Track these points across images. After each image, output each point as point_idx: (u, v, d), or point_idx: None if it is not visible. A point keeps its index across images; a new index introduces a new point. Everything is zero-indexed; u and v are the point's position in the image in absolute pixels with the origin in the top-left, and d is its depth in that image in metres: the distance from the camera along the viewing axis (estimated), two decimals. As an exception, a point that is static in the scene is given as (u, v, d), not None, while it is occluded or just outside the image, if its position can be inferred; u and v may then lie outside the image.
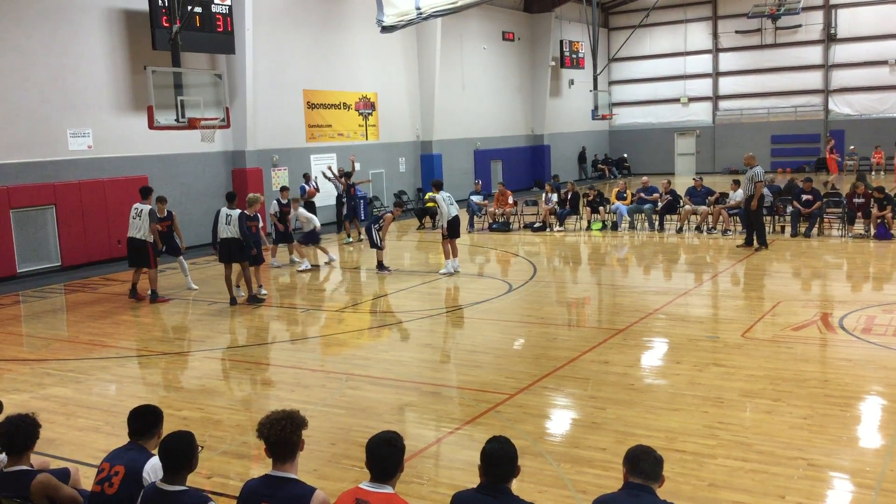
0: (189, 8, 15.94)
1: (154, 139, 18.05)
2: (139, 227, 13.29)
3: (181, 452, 4.09)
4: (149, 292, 13.50)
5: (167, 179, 19.15)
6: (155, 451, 4.52)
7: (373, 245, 15.33)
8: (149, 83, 14.20)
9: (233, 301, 13.00)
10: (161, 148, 18.88)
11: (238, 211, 12.97)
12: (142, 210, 13.32)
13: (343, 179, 20.72)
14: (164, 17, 16.92)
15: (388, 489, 3.76)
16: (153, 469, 4.29)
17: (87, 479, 5.09)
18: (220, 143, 19.98)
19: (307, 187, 20.43)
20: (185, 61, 16.23)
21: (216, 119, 15.28)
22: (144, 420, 4.55)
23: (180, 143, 19.07)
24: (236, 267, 13.17)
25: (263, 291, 13.57)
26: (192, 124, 14.71)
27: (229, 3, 19.24)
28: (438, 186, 15.51)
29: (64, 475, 4.92)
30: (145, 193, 13.63)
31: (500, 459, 3.80)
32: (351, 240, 20.08)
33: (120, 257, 16.24)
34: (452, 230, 14.88)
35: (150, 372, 9.67)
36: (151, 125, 14.35)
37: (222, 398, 8.35)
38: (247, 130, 20.68)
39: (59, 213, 16.88)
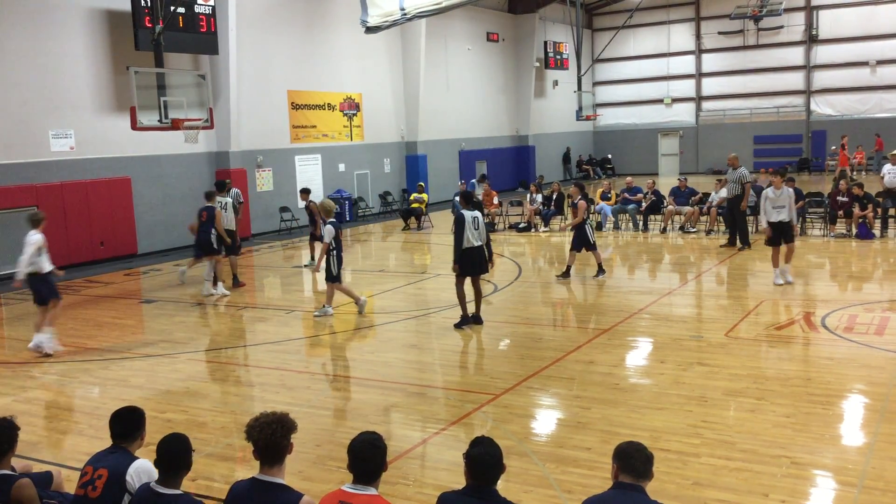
0: (172, 8, 15.86)
1: (137, 140, 17.94)
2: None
3: (177, 454, 4.07)
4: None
5: (150, 180, 19.04)
6: (138, 454, 4.49)
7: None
8: (131, 84, 14.14)
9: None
10: (144, 149, 18.76)
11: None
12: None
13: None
14: (147, 18, 16.78)
15: (371, 490, 3.75)
16: (137, 472, 4.27)
17: (70, 483, 5.06)
18: (203, 144, 19.89)
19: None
20: (168, 62, 16.15)
21: (200, 120, 15.23)
22: (127, 422, 4.52)
23: (164, 143, 18.95)
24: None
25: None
26: (175, 125, 14.66)
27: (212, 4, 19.14)
28: (783, 174, 13.31)
29: (47, 479, 4.89)
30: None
31: (485, 463, 3.77)
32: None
33: (102, 259, 16.09)
34: (785, 234, 12.94)
35: (132, 374, 9.59)
36: (134, 126, 14.29)
37: (206, 400, 8.30)
38: (231, 131, 20.58)
39: (40, 215, 16.71)
